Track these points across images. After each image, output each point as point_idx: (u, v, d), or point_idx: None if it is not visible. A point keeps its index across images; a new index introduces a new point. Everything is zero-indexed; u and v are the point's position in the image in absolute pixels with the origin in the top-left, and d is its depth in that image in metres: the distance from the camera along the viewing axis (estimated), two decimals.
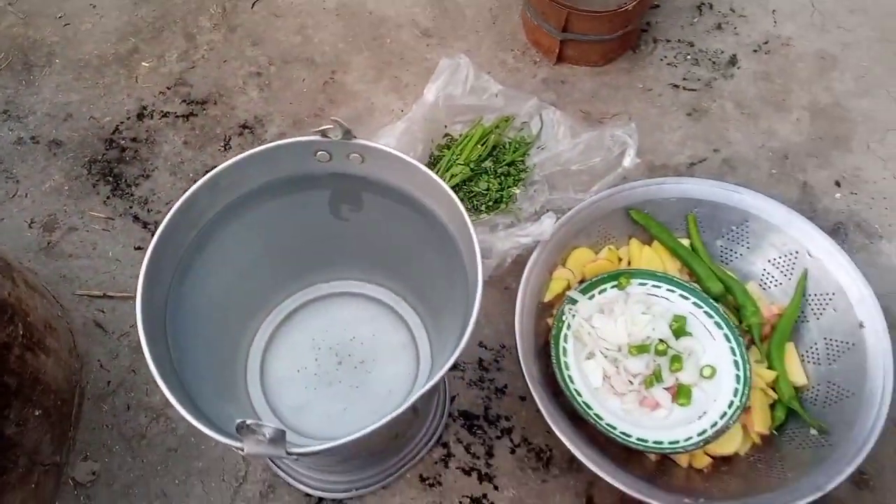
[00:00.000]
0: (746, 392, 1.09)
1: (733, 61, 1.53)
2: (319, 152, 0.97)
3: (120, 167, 1.42)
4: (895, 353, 1.15)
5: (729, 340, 1.14)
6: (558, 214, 1.21)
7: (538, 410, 1.02)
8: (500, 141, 1.37)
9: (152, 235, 0.89)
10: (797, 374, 1.15)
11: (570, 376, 1.11)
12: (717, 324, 1.15)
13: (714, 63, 1.53)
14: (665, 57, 1.54)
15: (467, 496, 1.11)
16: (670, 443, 1.07)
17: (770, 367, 1.15)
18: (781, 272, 1.22)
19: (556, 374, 1.10)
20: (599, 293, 1.19)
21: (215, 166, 0.91)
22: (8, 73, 1.55)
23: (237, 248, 1.02)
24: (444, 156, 1.36)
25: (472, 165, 1.33)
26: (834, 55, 1.53)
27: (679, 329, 1.15)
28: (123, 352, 1.21)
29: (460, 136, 1.38)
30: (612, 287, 1.19)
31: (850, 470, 0.99)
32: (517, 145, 1.37)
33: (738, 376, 1.11)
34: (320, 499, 1.10)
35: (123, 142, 1.45)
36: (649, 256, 1.24)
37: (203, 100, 1.51)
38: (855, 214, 1.35)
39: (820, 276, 1.18)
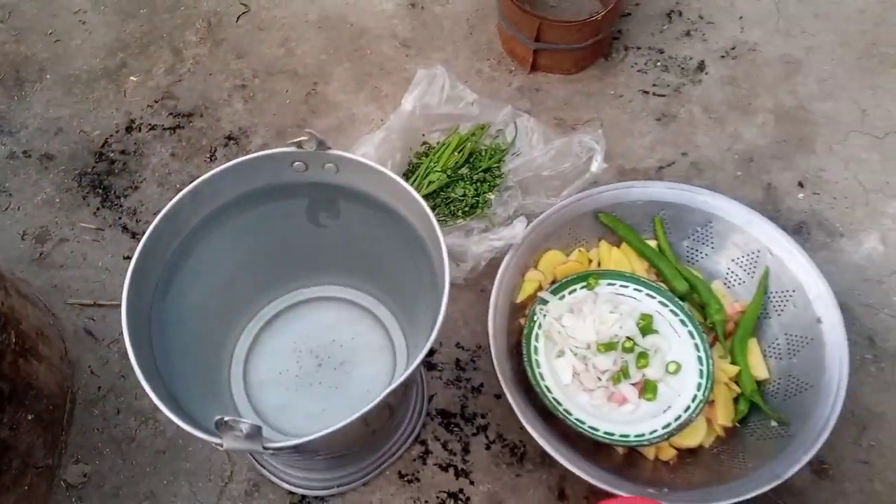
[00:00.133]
0: (709, 386, 1.13)
1: (701, 67, 1.58)
2: (296, 163, 1.02)
3: (109, 179, 1.47)
4: (850, 346, 1.21)
5: (693, 337, 1.19)
6: (530, 218, 1.25)
7: (512, 408, 1.07)
8: (477, 148, 1.42)
9: None
10: (759, 368, 1.20)
11: (540, 374, 1.16)
12: (682, 321, 1.20)
13: (683, 69, 1.58)
14: (636, 64, 1.59)
15: (444, 491, 1.16)
16: (636, 436, 1.12)
17: (733, 363, 1.20)
18: (744, 271, 1.27)
19: (527, 372, 1.15)
20: (569, 293, 1.24)
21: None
22: (0, 89, 1.60)
23: (220, 256, 1.07)
24: (422, 163, 1.41)
25: (448, 172, 1.38)
26: (798, 60, 1.58)
27: (646, 327, 1.20)
28: (113, 358, 1.26)
29: (438, 143, 1.43)
30: (582, 287, 1.24)
31: (806, 458, 1.04)
32: (493, 152, 1.42)
33: (701, 371, 1.16)
34: (303, 496, 1.15)
35: (112, 154, 1.50)
36: (618, 258, 1.29)
37: (189, 112, 1.56)
38: (817, 214, 1.40)
39: (780, 274, 1.22)
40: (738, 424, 1.17)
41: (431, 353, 1.27)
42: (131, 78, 1.61)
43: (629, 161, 1.47)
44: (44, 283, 1.33)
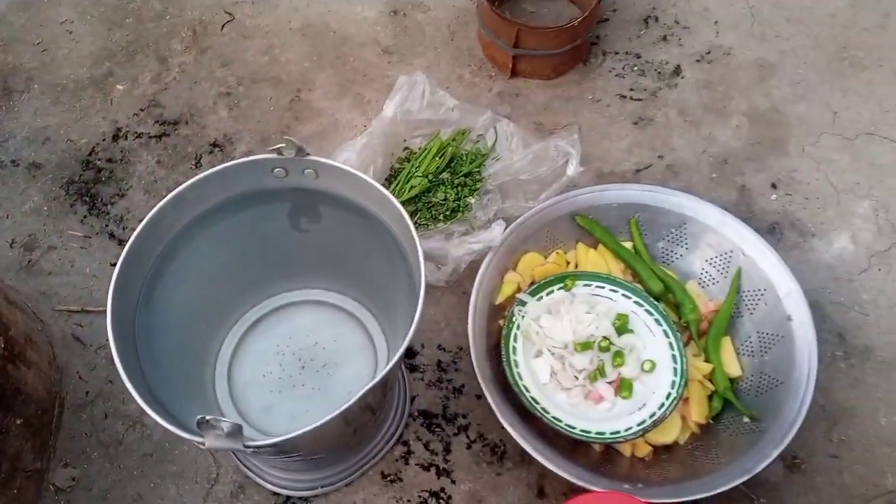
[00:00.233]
0: (683, 384, 1.17)
1: (678, 71, 1.61)
2: (276, 169, 1.04)
3: (96, 187, 1.49)
4: (821, 343, 1.24)
5: (668, 336, 1.22)
6: (509, 221, 1.28)
7: (492, 408, 1.10)
8: (457, 153, 1.45)
9: None
10: (732, 366, 1.23)
11: (519, 373, 1.19)
12: (656, 321, 1.23)
13: (659, 73, 1.61)
14: (613, 69, 1.62)
15: (426, 491, 1.19)
16: (612, 433, 1.15)
17: (707, 361, 1.23)
18: (718, 271, 1.30)
19: (505, 372, 1.18)
20: (547, 295, 1.27)
21: None
22: None
23: (203, 261, 1.10)
24: (403, 168, 1.44)
25: (430, 177, 1.40)
26: (772, 63, 1.62)
27: (621, 326, 1.23)
28: (101, 363, 1.28)
29: (419, 149, 1.46)
30: (559, 289, 1.27)
31: (776, 453, 1.07)
32: (473, 157, 1.45)
33: (675, 369, 1.19)
34: (288, 497, 1.17)
35: (99, 162, 1.53)
36: (595, 259, 1.32)
37: (175, 120, 1.58)
38: (790, 214, 1.43)
39: (752, 273, 1.26)
40: (711, 421, 1.21)
41: (413, 355, 1.30)
42: (118, 86, 1.64)
43: (607, 164, 1.50)
44: (32, 290, 1.35)
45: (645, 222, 1.33)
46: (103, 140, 1.56)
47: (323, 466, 1.16)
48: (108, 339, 0.90)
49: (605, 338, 1.21)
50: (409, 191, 1.39)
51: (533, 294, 1.26)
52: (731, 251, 1.28)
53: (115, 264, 1.37)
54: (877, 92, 1.57)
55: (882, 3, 1.69)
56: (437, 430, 1.23)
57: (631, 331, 1.23)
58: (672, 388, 1.17)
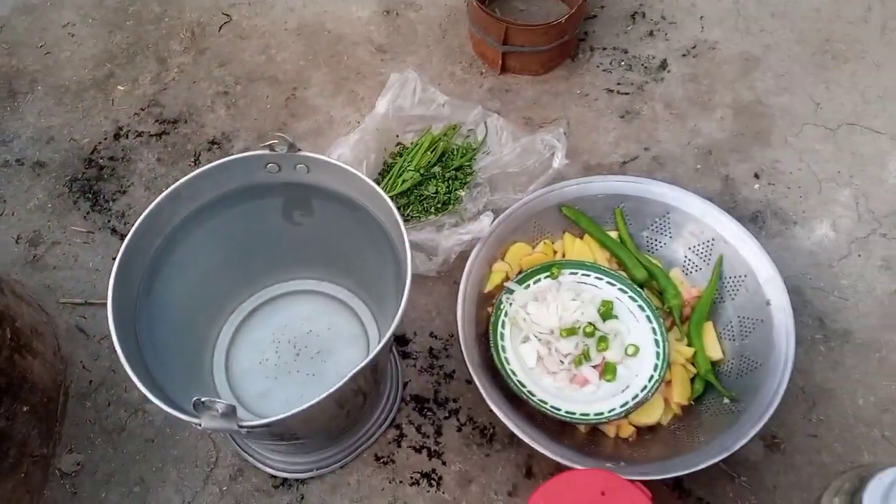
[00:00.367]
0: (665, 367, 1.21)
1: (664, 65, 1.65)
2: (269, 164, 1.09)
3: (98, 184, 1.54)
4: (801, 327, 1.28)
5: (651, 321, 1.26)
6: (497, 213, 1.33)
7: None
8: (449, 147, 1.49)
9: None
10: (714, 350, 1.27)
11: (506, 358, 1.23)
12: (640, 307, 1.27)
13: (646, 68, 1.65)
14: (601, 64, 1.66)
15: (418, 472, 1.23)
16: (596, 414, 1.19)
17: (690, 345, 1.27)
18: (700, 258, 1.34)
19: (493, 358, 1.22)
20: (534, 283, 1.31)
21: None
22: None
23: (201, 253, 1.14)
24: (396, 163, 1.48)
25: (421, 171, 1.45)
26: (757, 56, 1.66)
27: (606, 312, 1.27)
28: (104, 353, 1.33)
29: (411, 144, 1.50)
30: (546, 277, 1.31)
31: (754, 432, 1.11)
32: (464, 151, 1.49)
33: (658, 353, 1.23)
34: (284, 479, 1.22)
35: (101, 161, 1.57)
36: (581, 248, 1.36)
37: (174, 119, 1.63)
38: (772, 203, 1.47)
39: (734, 260, 1.29)
40: (693, 403, 1.25)
41: (406, 342, 1.35)
42: (119, 87, 1.68)
43: (594, 157, 1.54)
44: (37, 284, 1.40)
45: (629, 212, 1.37)
46: (105, 139, 1.60)
47: (318, 449, 1.20)
48: (110, 330, 0.94)
49: (590, 323, 1.25)
50: (401, 184, 1.44)
51: (520, 282, 1.30)
52: (713, 239, 1.31)
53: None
54: (859, 83, 1.61)
55: None
56: (428, 413, 1.28)
57: (615, 317, 1.27)
58: (654, 370, 1.21)
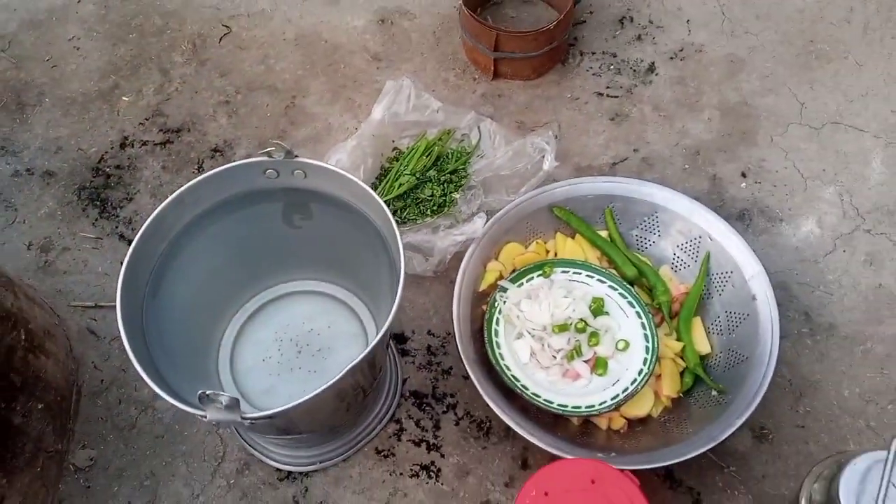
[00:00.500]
0: (654, 361, 1.25)
1: (652, 69, 1.70)
2: (268, 170, 1.14)
3: (106, 192, 1.59)
4: (788, 322, 1.32)
5: (640, 317, 1.30)
6: (490, 214, 1.37)
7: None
8: (443, 152, 1.54)
9: None
10: (702, 344, 1.32)
11: (501, 354, 1.28)
12: (630, 303, 1.32)
13: (635, 71, 1.70)
14: (591, 68, 1.71)
15: (417, 464, 1.27)
16: (587, 407, 1.23)
17: (679, 339, 1.32)
18: (689, 255, 1.38)
19: (488, 353, 1.27)
20: (527, 281, 1.35)
21: None
22: (3, 113, 1.72)
23: (204, 256, 1.19)
24: (392, 167, 1.53)
25: (417, 175, 1.49)
26: (742, 58, 1.70)
27: (597, 309, 1.31)
28: (114, 354, 1.38)
29: (407, 149, 1.55)
30: (538, 275, 1.36)
31: (740, 422, 1.15)
32: (458, 155, 1.54)
33: (647, 347, 1.27)
34: (289, 472, 1.26)
35: (108, 169, 1.63)
36: (572, 247, 1.41)
37: (178, 128, 1.68)
38: (759, 201, 1.51)
39: (720, 257, 1.34)
40: (683, 395, 1.29)
41: (405, 340, 1.39)
42: (123, 98, 1.74)
43: (585, 159, 1.58)
44: (49, 288, 1.45)
45: (619, 212, 1.41)
46: (111, 148, 1.66)
47: (321, 443, 1.24)
48: (121, 336, 0.99)
49: (581, 320, 1.30)
50: (397, 188, 1.48)
51: (514, 281, 1.35)
52: (700, 237, 1.36)
53: None
54: (842, 83, 1.65)
55: None
56: (427, 408, 1.32)
57: (606, 313, 1.32)
58: (644, 364, 1.26)
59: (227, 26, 1.84)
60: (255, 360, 1.29)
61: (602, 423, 1.27)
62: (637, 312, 1.31)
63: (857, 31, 1.72)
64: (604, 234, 1.41)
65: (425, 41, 1.78)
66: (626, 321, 1.31)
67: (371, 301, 1.32)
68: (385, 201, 1.26)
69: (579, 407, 1.24)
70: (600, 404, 1.23)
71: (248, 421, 0.92)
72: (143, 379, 0.95)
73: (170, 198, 1.09)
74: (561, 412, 1.23)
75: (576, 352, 1.28)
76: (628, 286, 1.33)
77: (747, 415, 1.16)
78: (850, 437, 1.28)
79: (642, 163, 1.57)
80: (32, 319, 1.24)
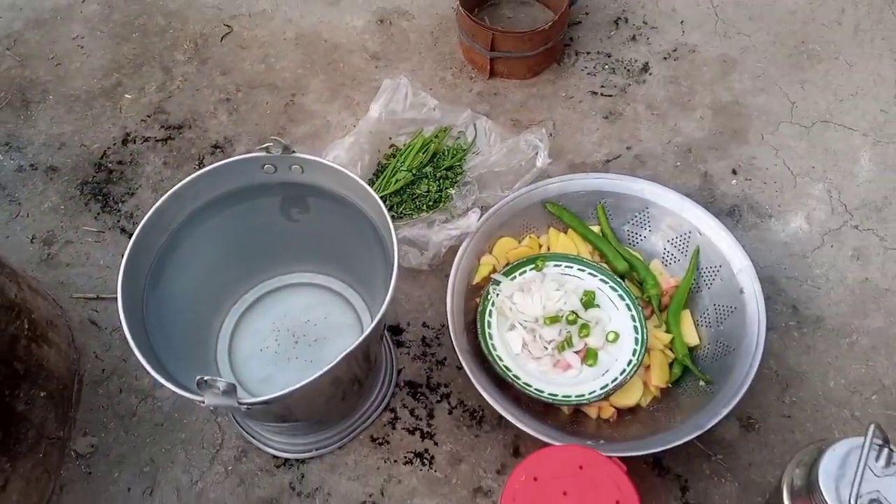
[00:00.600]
0: (643, 352, 1.28)
1: (646, 68, 1.73)
2: (266, 166, 1.17)
3: (108, 187, 1.62)
4: (776, 315, 1.35)
5: (630, 310, 1.33)
6: (484, 210, 1.40)
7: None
8: (440, 149, 1.57)
9: None
10: (691, 336, 1.34)
11: (493, 345, 1.31)
12: (620, 296, 1.35)
13: (629, 71, 1.73)
14: (586, 68, 1.74)
15: (411, 452, 1.30)
16: (577, 396, 1.26)
17: (668, 331, 1.34)
18: (678, 250, 1.41)
19: (481, 344, 1.30)
20: (520, 275, 1.38)
21: None
22: (8, 110, 1.76)
23: (203, 249, 1.22)
24: (389, 163, 1.56)
25: (414, 171, 1.52)
26: (734, 58, 1.73)
27: (588, 301, 1.34)
28: (115, 344, 1.41)
29: (404, 145, 1.58)
30: (531, 269, 1.39)
31: (726, 411, 1.17)
32: (454, 152, 1.57)
33: (636, 339, 1.30)
34: (286, 459, 1.29)
35: (110, 165, 1.66)
36: (565, 242, 1.43)
37: (179, 125, 1.71)
38: (749, 198, 1.54)
39: (709, 252, 1.36)
40: (671, 385, 1.31)
41: (400, 332, 1.42)
42: (126, 95, 1.77)
43: (579, 156, 1.61)
44: (52, 281, 1.49)
45: (611, 207, 1.44)
46: (114, 144, 1.69)
47: (317, 431, 1.27)
48: (120, 322, 1.02)
49: (572, 312, 1.33)
50: (394, 184, 1.51)
51: (507, 274, 1.37)
52: (690, 232, 1.39)
53: None
54: (832, 82, 1.68)
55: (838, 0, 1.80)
56: (421, 398, 1.35)
57: (597, 305, 1.35)
58: (633, 355, 1.28)
59: (228, 26, 1.87)
60: (253, 349, 1.32)
61: (592, 412, 1.29)
62: (627, 305, 1.34)
63: (847, 32, 1.75)
64: (596, 229, 1.44)
65: (423, 41, 1.81)
66: (616, 313, 1.34)
67: (366, 293, 1.35)
68: (382, 197, 1.30)
69: (569, 396, 1.26)
70: (590, 394, 1.26)
71: (245, 406, 0.95)
72: (143, 368, 0.98)
73: (170, 191, 1.12)
74: (551, 401, 1.26)
75: (567, 343, 1.31)
76: (619, 280, 1.36)
77: (733, 404, 1.18)
78: (835, 427, 1.30)
79: (635, 160, 1.60)
80: (35, 310, 1.27)
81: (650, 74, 1.72)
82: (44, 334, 1.27)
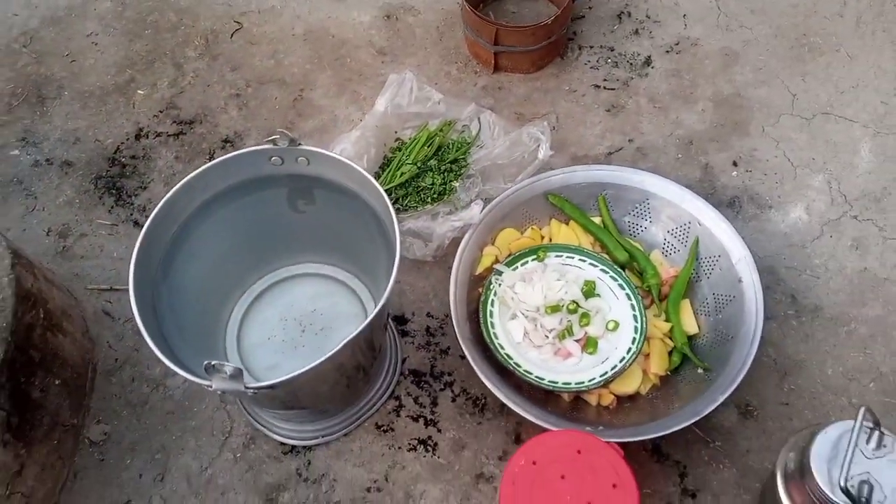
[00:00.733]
0: (642, 340, 1.30)
1: (648, 62, 1.75)
2: (273, 158, 1.20)
3: (121, 181, 1.66)
4: (775, 304, 1.37)
5: (630, 299, 1.36)
6: (487, 202, 1.43)
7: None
8: (444, 142, 1.60)
9: None
10: (690, 324, 1.37)
11: (495, 334, 1.33)
12: (620, 286, 1.37)
13: (631, 64, 1.75)
14: (589, 61, 1.76)
15: (415, 439, 1.33)
16: (577, 383, 1.29)
17: (667, 320, 1.37)
18: (678, 240, 1.43)
19: (483, 333, 1.32)
20: (522, 265, 1.41)
21: None
22: (25, 106, 1.80)
23: (213, 240, 1.26)
24: (395, 157, 1.58)
25: (419, 164, 1.55)
26: (736, 51, 1.75)
27: (589, 291, 1.37)
28: (128, 334, 1.45)
29: (409, 139, 1.61)
30: (533, 259, 1.41)
31: (722, 398, 1.20)
32: (459, 145, 1.59)
33: (636, 328, 1.32)
34: (293, 446, 1.33)
35: (124, 159, 1.70)
36: (567, 233, 1.46)
37: (191, 120, 1.75)
38: (749, 189, 1.56)
39: (708, 242, 1.39)
40: (670, 373, 1.34)
41: (405, 322, 1.45)
42: (139, 91, 1.81)
43: (581, 149, 1.64)
44: (66, 272, 1.53)
45: (612, 199, 1.46)
46: (127, 139, 1.73)
47: (323, 419, 1.31)
48: (133, 312, 1.05)
49: (573, 301, 1.35)
50: (399, 177, 1.54)
51: (509, 265, 1.40)
52: (690, 222, 1.41)
53: None
54: (833, 75, 1.69)
55: None
56: (425, 386, 1.38)
57: (597, 295, 1.37)
58: (633, 343, 1.31)
59: (238, 22, 1.91)
60: (261, 338, 1.35)
61: (592, 399, 1.32)
62: (627, 294, 1.36)
63: (849, 24, 1.76)
64: (597, 220, 1.46)
65: (429, 36, 1.84)
66: (616, 303, 1.36)
67: (371, 283, 1.38)
68: (387, 189, 1.33)
69: (570, 383, 1.29)
70: (590, 381, 1.28)
71: (252, 390, 0.98)
72: (155, 358, 1.01)
73: (180, 183, 1.16)
74: (552, 388, 1.28)
75: (567, 331, 1.33)
76: (619, 269, 1.38)
77: (731, 391, 1.20)
78: (832, 414, 1.32)
79: (637, 152, 1.62)
80: (51, 300, 1.31)
81: (652, 68, 1.74)
82: (59, 324, 1.31)
